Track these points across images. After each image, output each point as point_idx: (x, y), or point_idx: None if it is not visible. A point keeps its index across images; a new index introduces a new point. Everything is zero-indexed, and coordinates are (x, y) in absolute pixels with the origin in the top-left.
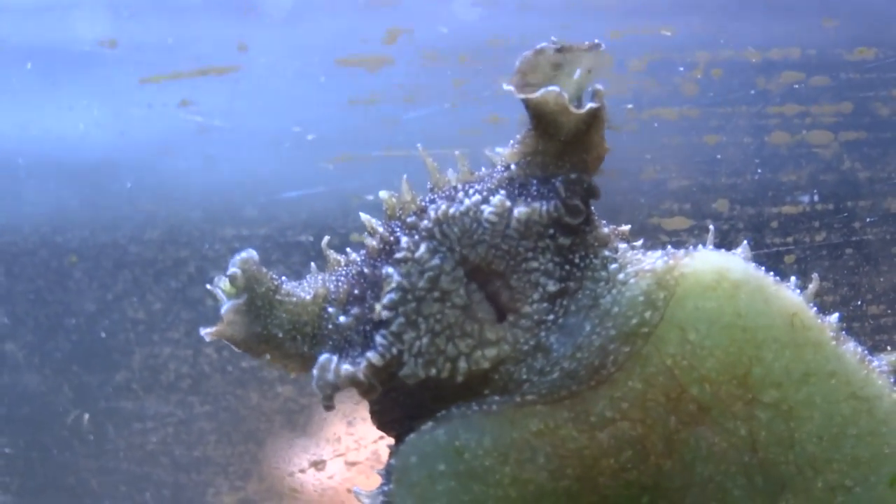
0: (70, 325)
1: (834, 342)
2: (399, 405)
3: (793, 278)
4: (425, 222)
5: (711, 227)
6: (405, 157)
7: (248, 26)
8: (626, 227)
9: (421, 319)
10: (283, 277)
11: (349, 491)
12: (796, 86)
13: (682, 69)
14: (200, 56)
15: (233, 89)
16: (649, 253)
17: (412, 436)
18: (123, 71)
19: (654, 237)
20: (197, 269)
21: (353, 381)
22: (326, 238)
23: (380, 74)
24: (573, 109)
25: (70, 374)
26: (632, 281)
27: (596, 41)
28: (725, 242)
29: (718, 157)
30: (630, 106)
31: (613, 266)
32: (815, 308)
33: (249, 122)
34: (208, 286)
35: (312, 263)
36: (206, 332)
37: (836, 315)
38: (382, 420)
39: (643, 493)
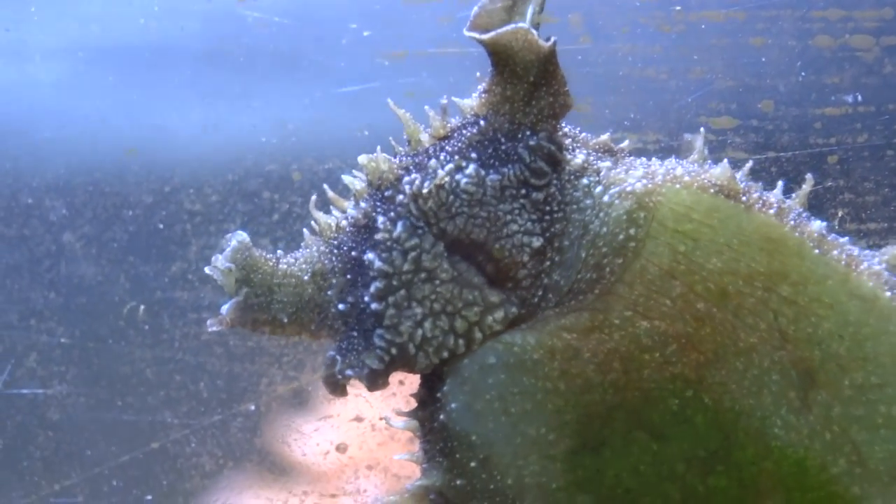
0: (127, 217)
1: (816, 250)
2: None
3: (779, 184)
4: (400, 197)
5: (701, 136)
6: (460, 54)
7: None
8: (605, 137)
9: (415, 304)
10: (279, 252)
11: (402, 383)
12: None
13: None
14: None
15: None
16: (631, 171)
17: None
18: None
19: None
20: (253, 163)
21: (358, 381)
22: (314, 198)
23: None
24: (542, 44)
25: (126, 264)
26: (616, 202)
27: None
28: (770, 142)
29: (763, 59)
30: (678, 8)
31: (598, 189)
32: (803, 214)
33: (307, 17)
34: (206, 270)
35: (305, 231)
36: (213, 325)
37: (818, 223)
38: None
39: (687, 386)
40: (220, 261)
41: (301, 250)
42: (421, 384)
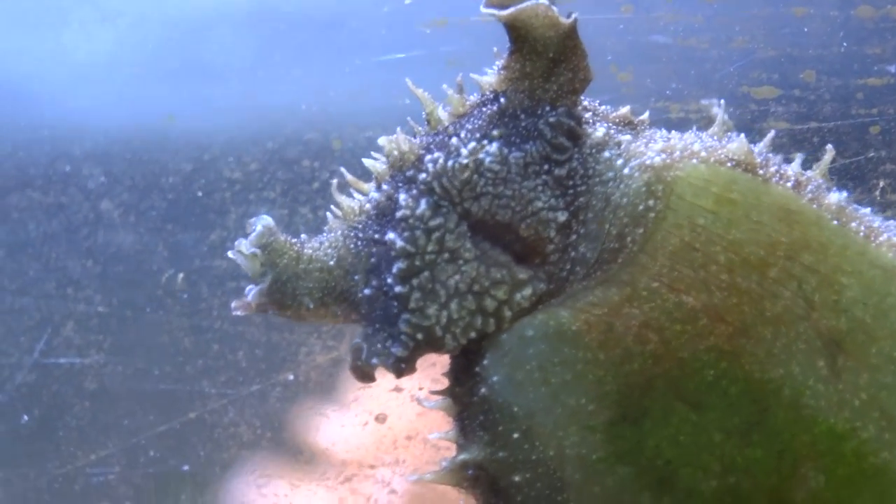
0: (166, 185)
1: (835, 221)
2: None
3: (798, 156)
4: (423, 175)
5: (721, 107)
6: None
7: None
8: (625, 110)
9: (439, 286)
10: (303, 237)
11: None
12: None
13: None
14: None
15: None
16: (650, 144)
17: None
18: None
19: (742, 106)
20: (294, 131)
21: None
22: (335, 182)
23: None
24: (562, 20)
25: (165, 232)
26: (636, 174)
27: None
28: (812, 112)
29: (805, 29)
30: None
31: (619, 162)
32: (822, 185)
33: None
34: (230, 254)
35: (329, 214)
36: (237, 310)
37: (836, 194)
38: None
39: (721, 357)
40: (244, 245)
41: (325, 234)
42: (453, 362)
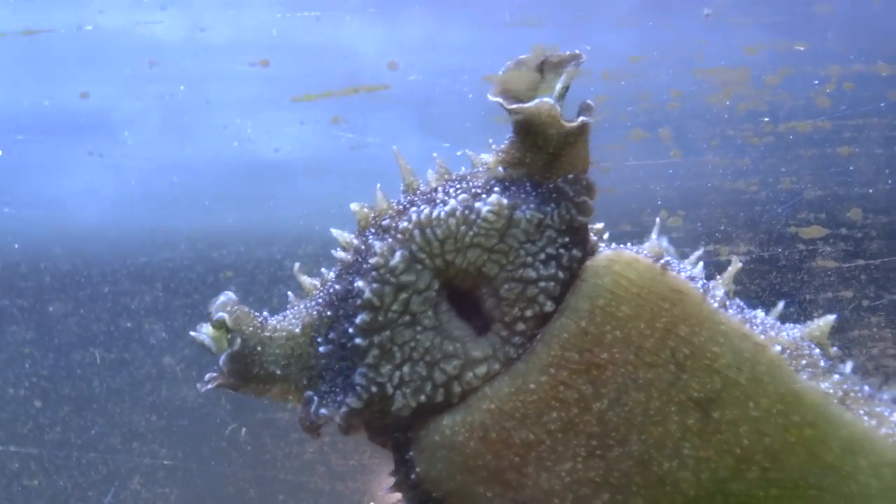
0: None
1: (714, 303)
2: (393, 426)
3: (700, 263)
4: (404, 223)
5: (658, 220)
6: None
7: (397, 45)
8: (600, 225)
9: (396, 348)
10: (265, 312)
11: None
12: None
13: (815, 83)
14: (351, 75)
15: (383, 107)
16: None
17: (430, 423)
18: (276, 90)
19: (791, 246)
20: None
21: (332, 422)
22: (297, 265)
23: None
24: (564, 122)
25: None
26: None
27: (576, 52)
28: (860, 250)
29: (851, 168)
30: (766, 119)
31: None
32: (715, 286)
33: (400, 138)
34: (192, 333)
35: (290, 293)
36: (204, 386)
37: (721, 290)
38: (375, 436)
39: (591, 438)
40: (211, 312)
41: (287, 310)
42: (394, 455)
